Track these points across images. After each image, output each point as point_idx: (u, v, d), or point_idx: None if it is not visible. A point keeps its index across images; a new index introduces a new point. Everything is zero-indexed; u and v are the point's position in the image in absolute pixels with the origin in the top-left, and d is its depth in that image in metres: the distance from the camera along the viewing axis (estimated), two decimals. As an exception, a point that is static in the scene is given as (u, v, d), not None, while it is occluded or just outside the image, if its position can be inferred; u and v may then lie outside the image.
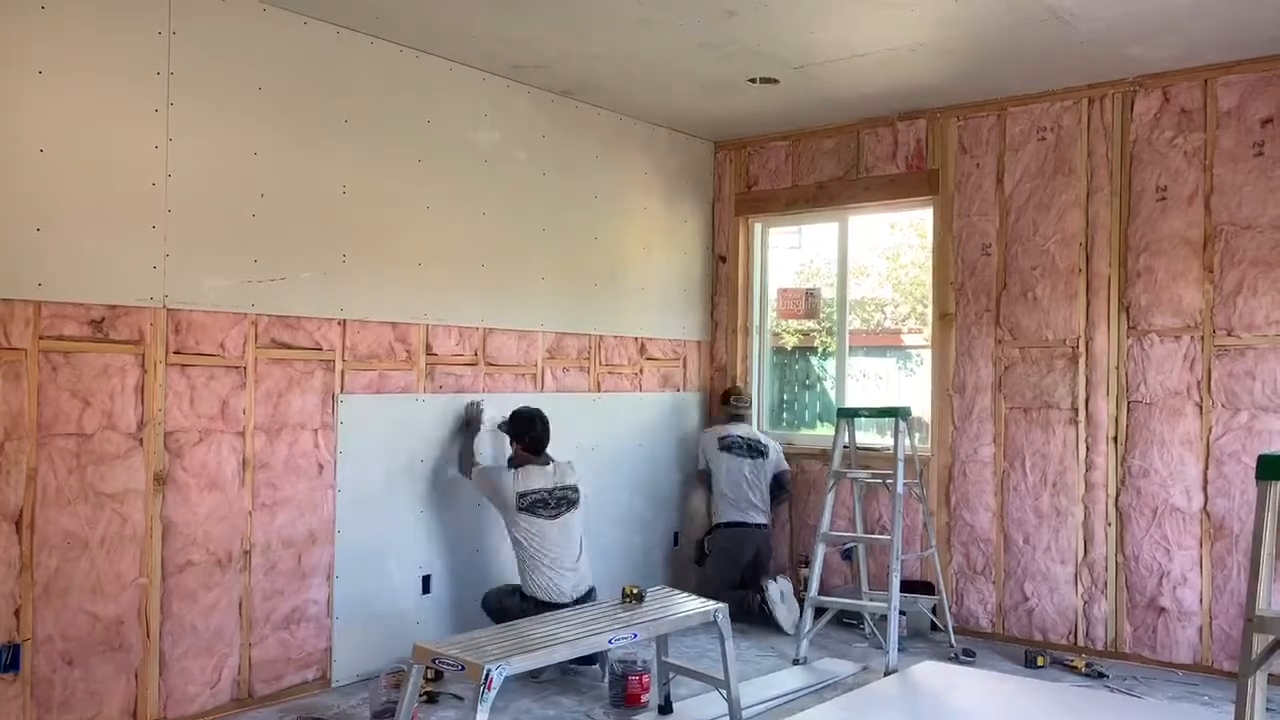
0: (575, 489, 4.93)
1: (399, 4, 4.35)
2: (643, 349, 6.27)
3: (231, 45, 4.22)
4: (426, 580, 4.97)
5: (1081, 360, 5.31)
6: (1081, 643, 5.25)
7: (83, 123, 3.77)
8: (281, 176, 4.40)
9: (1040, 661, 5.01)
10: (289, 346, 4.42)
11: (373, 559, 4.73)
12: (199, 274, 4.11)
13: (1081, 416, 5.30)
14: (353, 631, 4.63)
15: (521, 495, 4.72)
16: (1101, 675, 4.88)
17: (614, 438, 6.01)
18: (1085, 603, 5.25)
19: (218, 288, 4.18)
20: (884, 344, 9.57)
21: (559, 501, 4.82)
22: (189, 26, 4.08)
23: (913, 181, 5.92)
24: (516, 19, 4.51)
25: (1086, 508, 5.27)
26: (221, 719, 4.16)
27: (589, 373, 5.89)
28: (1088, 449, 5.28)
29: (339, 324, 4.60)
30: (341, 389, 4.61)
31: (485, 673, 3.16)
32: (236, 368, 4.23)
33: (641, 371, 6.26)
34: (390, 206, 4.81)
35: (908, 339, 9.21)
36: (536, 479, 4.79)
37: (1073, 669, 4.96)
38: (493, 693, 3.16)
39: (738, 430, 6.18)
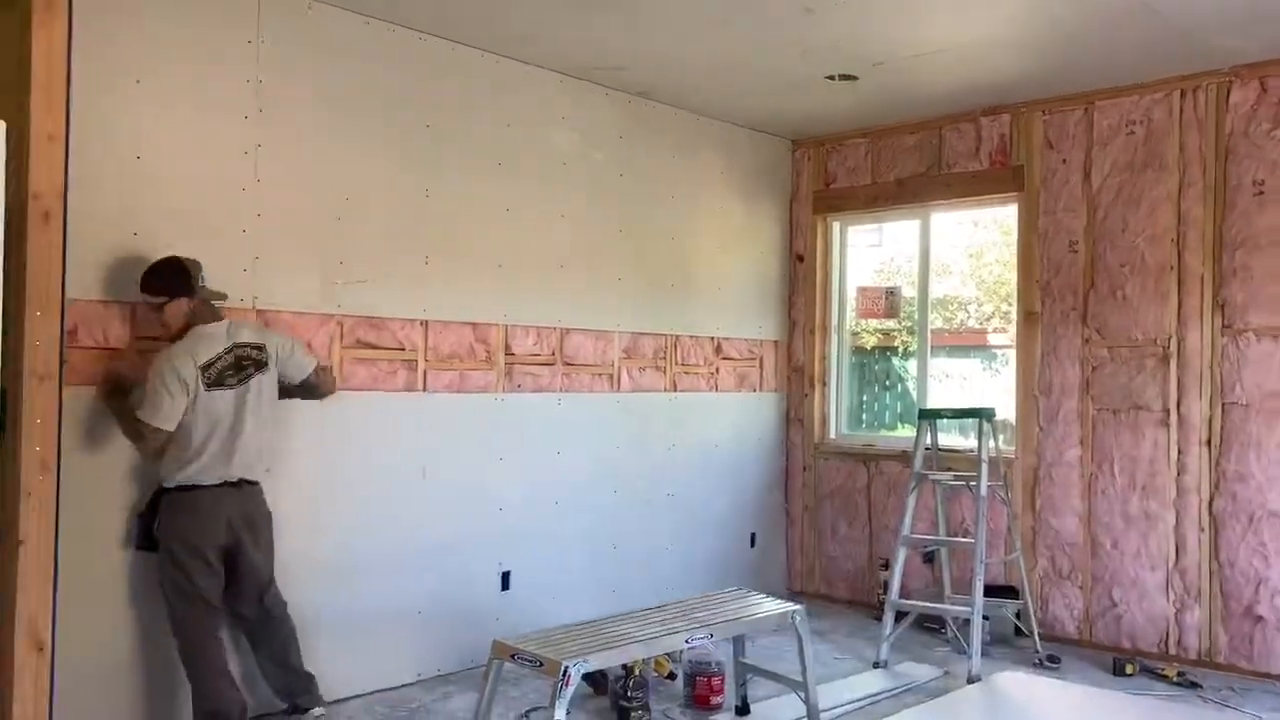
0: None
1: (479, 9, 4.41)
2: (719, 349, 6.26)
3: (318, 52, 4.33)
4: (506, 576, 5.03)
5: (1173, 360, 5.15)
6: (1173, 651, 5.09)
7: (177, 130, 3.91)
8: (365, 180, 4.50)
9: (1130, 670, 4.88)
10: (374, 346, 4.52)
11: (453, 555, 4.80)
12: (287, 276, 4.23)
13: (1173, 418, 5.14)
14: (433, 627, 4.71)
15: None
16: (1195, 685, 4.73)
17: (690, 438, 6.01)
18: (1177, 610, 5.09)
19: (305, 289, 4.29)
20: (967, 344, 9.38)
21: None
22: (277, 35, 4.19)
23: (996, 178, 5.81)
24: (593, 21, 4.54)
25: (1178, 512, 5.11)
26: None
27: (665, 373, 5.90)
28: (1179, 452, 5.11)
29: (421, 324, 4.68)
30: (424, 388, 4.69)
31: (563, 669, 3.19)
32: (324, 368, 4.32)
33: (717, 371, 6.25)
34: (471, 209, 4.89)
35: (992, 339, 9.01)
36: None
37: (1164, 678, 4.81)
38: (570, 689, 3.19)
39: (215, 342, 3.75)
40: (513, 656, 3.37)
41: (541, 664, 3.27)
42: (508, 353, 5.05)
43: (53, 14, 2.85)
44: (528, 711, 4.21)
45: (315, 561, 4.29)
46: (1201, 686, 4.72)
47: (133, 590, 3.76)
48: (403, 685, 4.57)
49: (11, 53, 2.95)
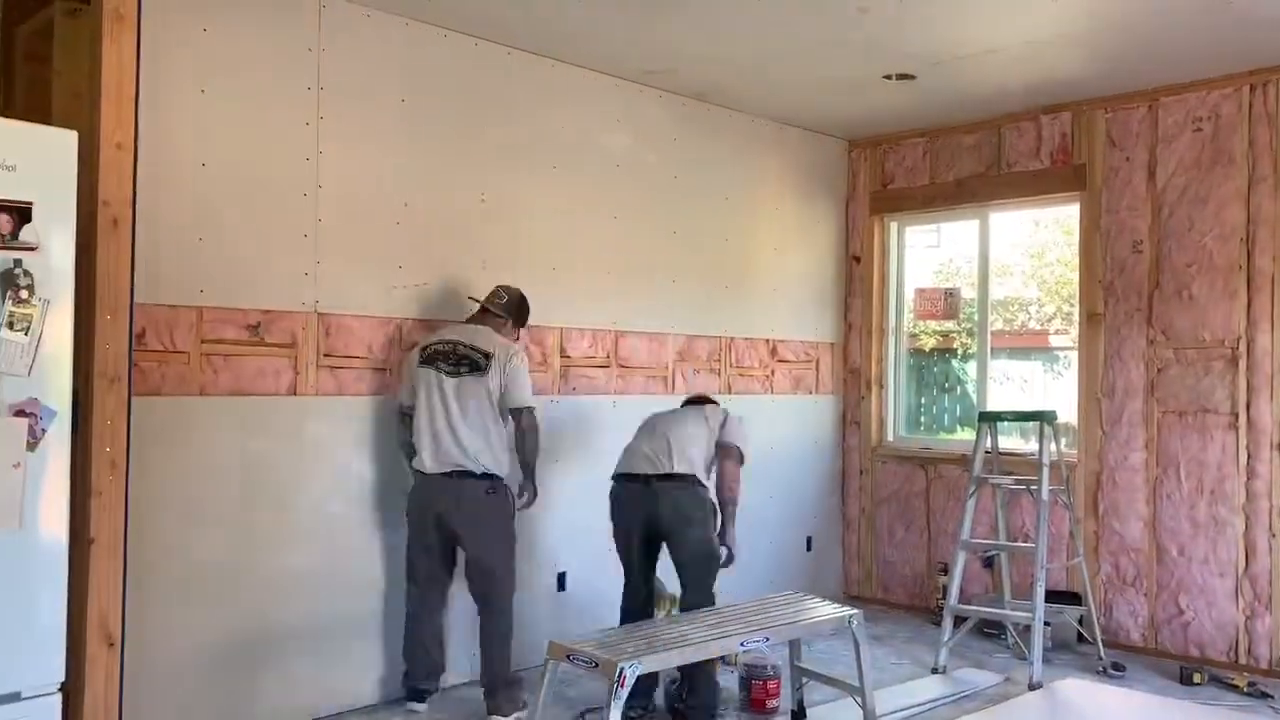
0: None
1: (534, 14, 4.44)
2: (774, 351, 6.23)
3: (377, 59, 4.40)
4: (561, 578, 5.06)
5: (1242, 362, 5.02)
6: (1243, 660, 4.96)
7: (240, 137, 3.99)
8: (424, 185, 4.56)
9: (1198, 679, 4.76)
10: (430, 349, 4.56)
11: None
12: (347, 280, 4.29)
13: (1242, 421, 5.01)
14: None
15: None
16: (1266, 696, 4.60)
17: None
18: (1247, 618, 4.96)
19: (365, 293, 4.35)
20: (1028, 345, 9.24)
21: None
22: (337, 43, 4.26)
23: (1058, 177, 5.71)
24: (646, 24, 4.55)
25: (1248, 518, 4.98)
26: (372, 714, 4.33)
27: (720, 375, 5.88)
28: (1249, 456, 4.98)
29: (477, 327, 4.72)
30: (480, 390, 4.72)
31: (619, 670, 3.19)
32: (383, 370, 4.39)
33: (773, 374, 6.22)
34: (526, 213, 4.92)
35: (1053, 340, 8.87)
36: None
37: (1234, 688, 4.70)
38: (625, 690, 3.19)
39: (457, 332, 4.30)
40: (568, 657, 3.38)
41: (597, 665, 3.28)
42: (563, 355, 5.08)
43: (123, 26, 2.92)
44: (584, 712, 4.23)
45: (375, 563, 4.36)
46: (1273, 697, 4.59)
47: (204, 586, 3.85)
48: (462, 684, 4.61)
49: (82, 64, 3.04)
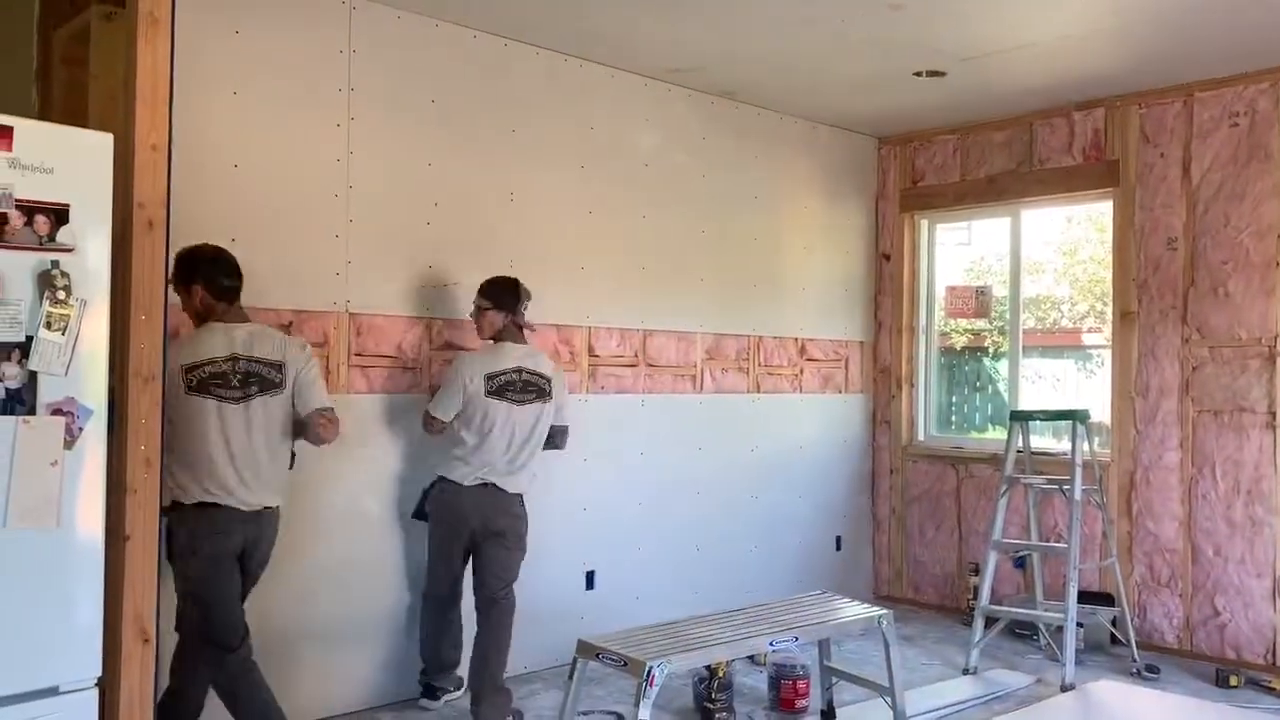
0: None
1: (562, 13, 4.45)
2: (802, 350, 6.21)
3: (407, 60, 4.42)
4: (590, 576, 5.07)
5: (1279, 360, 4.96)
6: (1281, 663, 4.90)
7: (272, 139, 4.03)
8: (453, 185, 4.58)
9: (1234, 681, 4.70)
10: (462, 349, 4.59)
11: (538, 555, 4.84)
12: (378, 279, 4.32)
13: (1279, 420, 4.94)
14: (520, 625, 4.74)
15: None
16: (1304, 699, 4.54)
17: (773, 440, 5.97)
18: (1285, 620, 4.90)
19: (395, 292, 4.38)
20: (1061, 344, 9.16)
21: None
22: (368, 44, 4.29)
23: (1090, 173, 5.66)
24: (675, 23, 4.55)
25: (1286, 518, 4.91)
26: (386, 711, 4.35)
27: (748, 374, 5.87)
28: (1287, 455, 4.91)
29: (506, 326, 4.74)
30: (509, 389, 4.74)
31: (647, 669, 3.20)
32: (413, 369, 4.42)
33: (801, 373, 6.20)
34: (554, 212, 4.93)
35: (1086, 339, 8.78)
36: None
37: (1271, 691, 4.63)
38: (655, 689, 3.19)
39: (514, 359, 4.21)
40: (597, 656, 3.39)
41: (626, 664, 3.28)
42: (591, 354, 5.09)
43: (157, 29, 2.95)
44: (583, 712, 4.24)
45: (405, 560, 4.39)
46: (1311, 700, 4.53)
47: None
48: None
49: (118, 67, 3.07)
